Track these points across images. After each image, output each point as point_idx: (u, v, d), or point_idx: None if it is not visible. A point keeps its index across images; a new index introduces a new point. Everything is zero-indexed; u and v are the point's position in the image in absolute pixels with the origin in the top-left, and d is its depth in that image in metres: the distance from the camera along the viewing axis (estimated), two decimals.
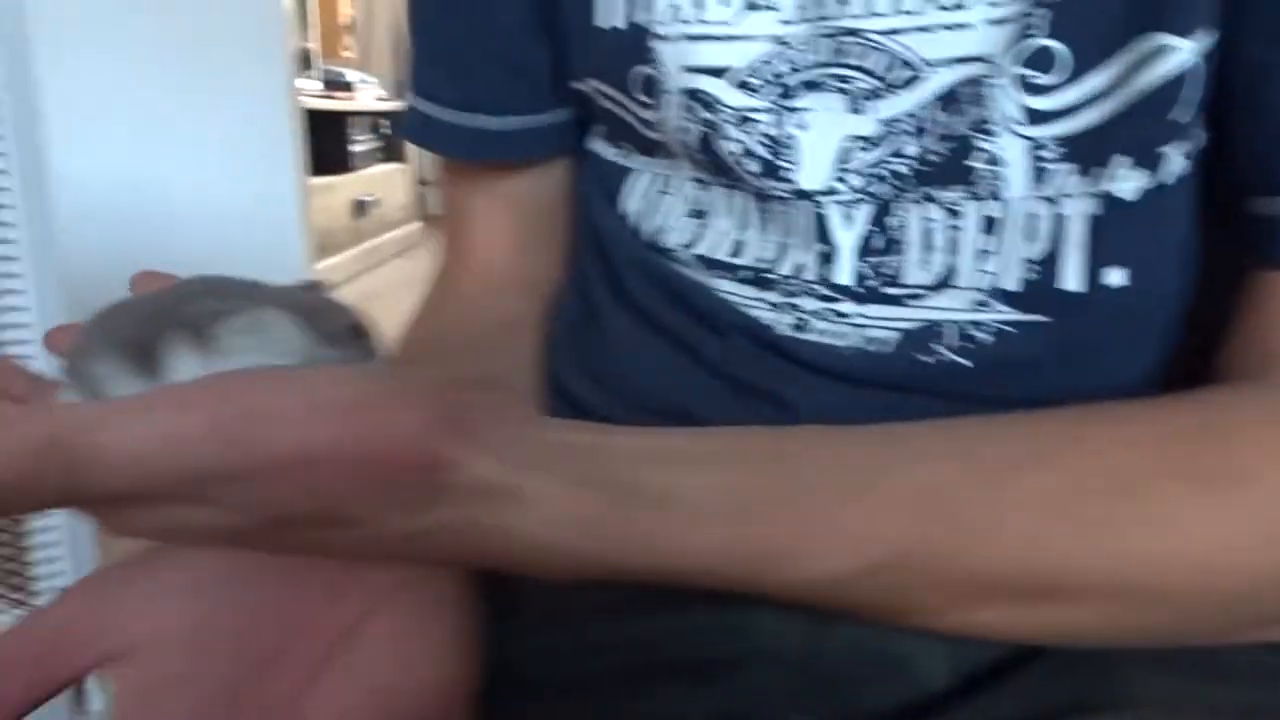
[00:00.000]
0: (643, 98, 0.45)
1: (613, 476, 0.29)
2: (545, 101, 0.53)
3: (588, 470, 0.28)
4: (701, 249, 0.47)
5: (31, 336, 0.89)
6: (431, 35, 0.54)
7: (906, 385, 0.42)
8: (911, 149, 0.40)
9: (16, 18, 0.81)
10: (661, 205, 0.49)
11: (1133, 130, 0.38)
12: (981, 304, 0.41)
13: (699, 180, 0.47)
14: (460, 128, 0.53)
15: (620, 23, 0.45)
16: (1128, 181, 0.38)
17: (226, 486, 0.23)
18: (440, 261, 0.59)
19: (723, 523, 0.30)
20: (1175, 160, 0.38)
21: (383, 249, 4.31)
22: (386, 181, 4.48)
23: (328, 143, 3.67)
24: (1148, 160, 0.38)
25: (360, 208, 4.06)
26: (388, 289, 3.58)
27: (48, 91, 0.86)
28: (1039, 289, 0.40)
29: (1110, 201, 0.39)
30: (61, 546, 0.97)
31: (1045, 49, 0.37)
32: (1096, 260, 0.39)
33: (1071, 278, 0.40)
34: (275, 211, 2.38)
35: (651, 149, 0.48)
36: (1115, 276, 0.40)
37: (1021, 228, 0.40)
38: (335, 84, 4.12)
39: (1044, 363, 0.41)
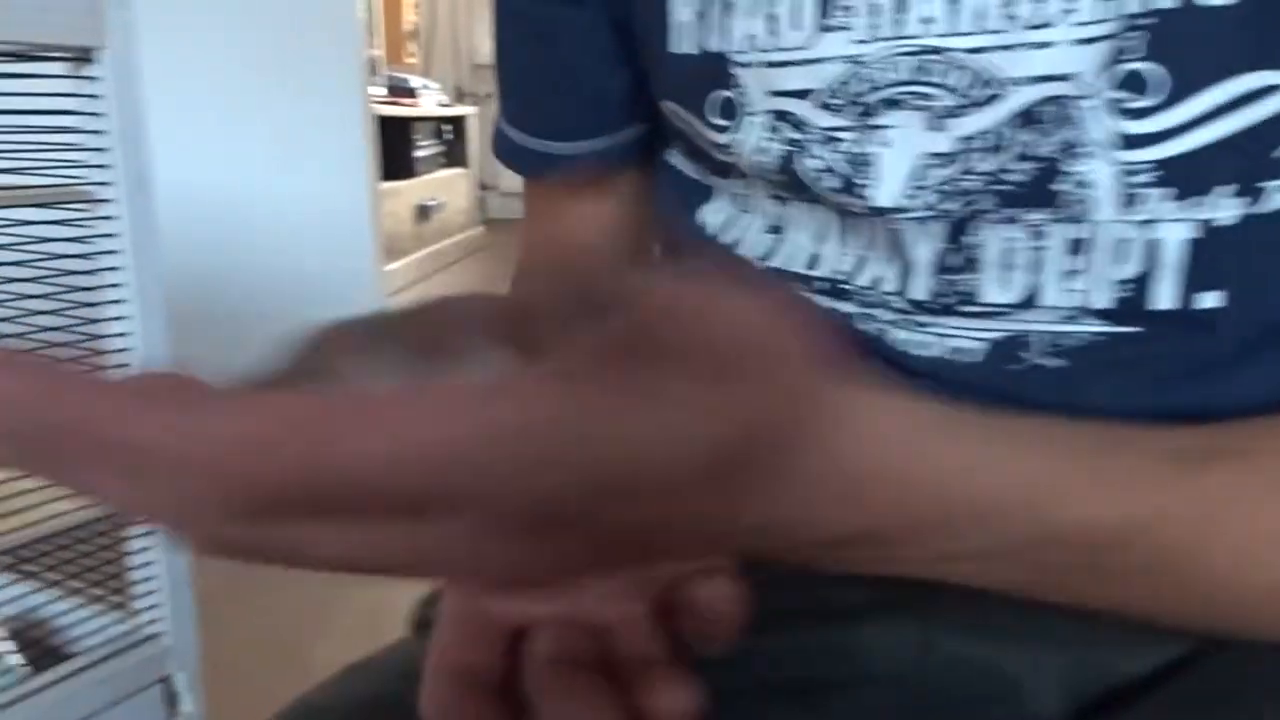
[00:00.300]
0: (719, 121, 0.46)
1: (928, 409, 0.29)
2: (615, 124, 0.56)
3: (903, 405, 0.28)
4: (777, 262, 0.47)
5: (131, 313, 0.91)
6: (508, 66, 0.58)
7: (997, 392, 0.42)
8: (985, 166, 0.40)
9: (127, 33, 0.83)
10: (740, 222, 0.50)
11: (1235, 162, 0.37)
12: (1070, 318, 0.41)
13: (778, 197, 0.47)
14: (532, 151, 0.58)
15: (693, 49, 0.46)
16: (1228, 210, 0.38)
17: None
18: (522, 244, 0.64)
19: (1026, 457, 0.30)
20: (1278, 198, 0.37)
21: (446, 253, 4.36)
22: (449, 186, 4.53)
23: (392, 148, 3.72)
24: (1249, 192, 0.37)
25: (424, 212, 4.11)
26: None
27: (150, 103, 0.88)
28: (1131, 306, 0.39)
29: (1208, 227, 0.38)
30: (157, 550, 0.98)
31: (1139, 72, 0.36)
32: (1192, 284, 0.39)
33: (1165, 298, 0.39)
34: (347, 216, 2.41)
35: (725, 170, 0.49)
36: (1211, 299, 0.39)
37: (1111, 250, 0.39)
38: (399, 90, 4.18)
39: (1139, 369, 0.40)
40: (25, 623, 1.02)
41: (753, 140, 0.45)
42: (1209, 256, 0.38)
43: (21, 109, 0.81)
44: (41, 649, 0.99)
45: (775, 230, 0.48)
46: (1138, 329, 0.40)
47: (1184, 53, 0.36)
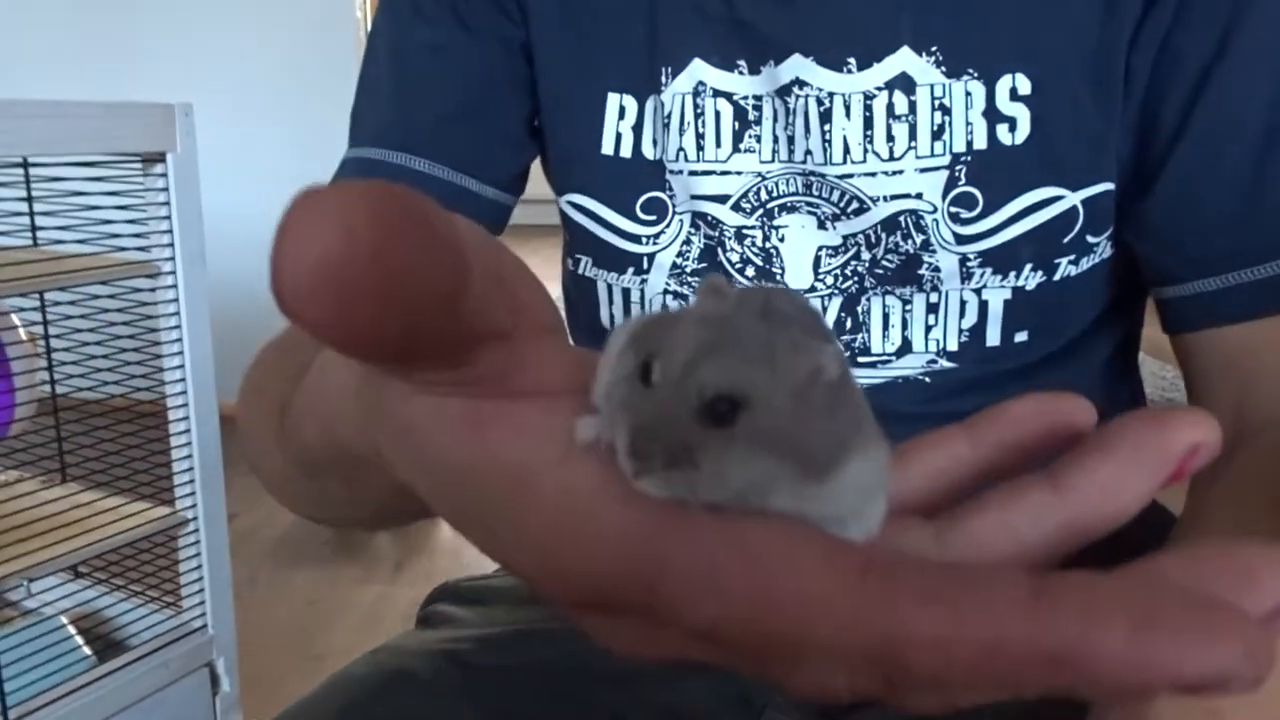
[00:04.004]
0: (645, 216, 0.56)
1: None
2: (515, 190, 0.60)
3: None
4: None
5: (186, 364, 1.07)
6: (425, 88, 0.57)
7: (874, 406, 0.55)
8: (866, 256, 0.54)
9: (188, 138, 0.98)
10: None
11: (1034, 248, 0.51)
12: (931, 361, 0.55)
13: (673, 293, 0.57)
14: (433, 178, 0.56)
15: (627, 153, 0.56)
16: (1031, 280, 0.53)
17: None
18: None
19: None
20: (1066, 268, 0.53)
21: None
22: None
23: None
24: (1045, 267, 0.52)
25: None
26: None
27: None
28: (971, 346, 0.54)
29: (1018, 290, 0.53)
30: (202, 557, 1.15)
31: (966, 192, 0.51)
32: (1008, 327, 0.53)
33: (992, 338, 0.54)
34: None
35: (624, 265, 0.57)
36: (1021, 336, 0.54)
37: (957, 309, 0.54)
38: None
39: (978, 382, 0.55)
40: (92, 620, 1.18)
41: (677, 233, 0.56)
42: (1019, 309, 0.53)
43: (101, 204, 0.96)
44: (106, 642, 1.15)
45: None
46: (976, 359, 0.54)
47: (994, 177, 0.51)
